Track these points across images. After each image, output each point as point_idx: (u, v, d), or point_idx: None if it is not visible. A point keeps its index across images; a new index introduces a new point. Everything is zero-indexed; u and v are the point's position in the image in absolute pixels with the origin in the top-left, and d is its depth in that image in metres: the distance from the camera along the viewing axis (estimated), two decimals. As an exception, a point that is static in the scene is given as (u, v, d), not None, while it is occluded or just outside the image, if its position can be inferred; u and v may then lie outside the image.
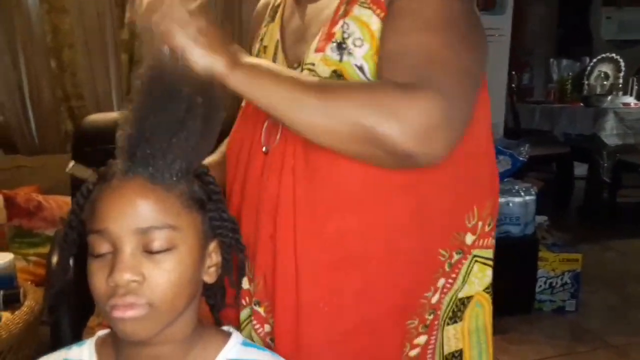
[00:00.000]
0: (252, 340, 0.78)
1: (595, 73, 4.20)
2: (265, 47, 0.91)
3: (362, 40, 0.76)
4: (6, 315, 1.31)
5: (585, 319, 2.48)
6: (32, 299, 1.41)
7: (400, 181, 0.75)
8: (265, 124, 0.81)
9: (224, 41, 0.69)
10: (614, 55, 4.19)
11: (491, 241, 0.86)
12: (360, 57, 0.76)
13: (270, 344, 0.81)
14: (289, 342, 0.78)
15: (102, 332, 0.72)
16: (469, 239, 0.83)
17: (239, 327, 0.84)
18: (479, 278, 0.86)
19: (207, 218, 0.66)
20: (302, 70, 0.80)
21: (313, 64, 0.78)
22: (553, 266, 2.51)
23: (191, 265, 0.63)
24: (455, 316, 0.85)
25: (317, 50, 0.79)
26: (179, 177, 0.63)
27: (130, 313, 0.59)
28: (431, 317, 0.83)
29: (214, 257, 0.68)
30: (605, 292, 2.76)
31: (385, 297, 0.79)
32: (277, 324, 0.79)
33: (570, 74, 4.49)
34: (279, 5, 0.92)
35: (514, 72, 4.28)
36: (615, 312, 2.58)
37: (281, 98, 0.69)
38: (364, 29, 0.76)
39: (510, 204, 2.45)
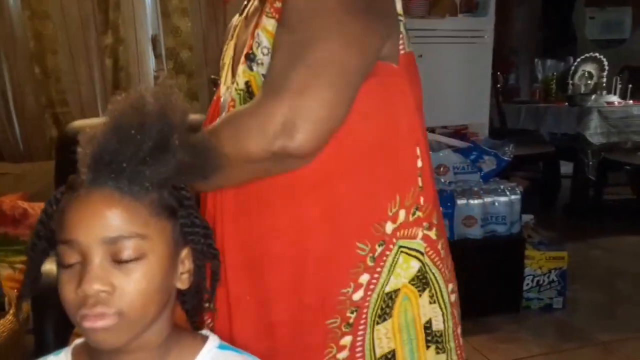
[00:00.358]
0: None
1: (580, 72, 4.25)
2: (224, 64, 0.94)
3: (268, 49, 0.79)
4: (-9, 324, 1.30)
5: (573, 317, 2.51)
6: (16, 307, 1.39)
7: (311, 181, 0.78)
8: None
9: None
10: (597, 54, 4.25)
11: (420, 232, 0.83)
12: (267, 67, 0.79)
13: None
14: (224, 333, 0.81)
15: (78, 341, 0.71)
16: (389, 227, 0.81)
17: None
18: (404, 269, 0.82)
19: (179, 225, 0.66)
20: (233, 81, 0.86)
21: (238, 75, 0.83)
22: (540, 264, 2.53)
23: (161, 274, 0.63)
24: (384, 313, 0.82)
25: (242, 63, 0.83)
26: (146, 188, 0.62)
27: (100, 323, 0.59)
28: (354, 315, 0.81)
29: (186, 264, 0.68)
30: (592, 289, 2.79)
31: (300, 295, 0.80)
32: (216, 316, 0.84)
33: (554, 73, 4.54)
34: (236, 25, 0.97)
35: (499, 73, 4.32)
36: (602, 309, 2.61)
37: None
38: (269, 38, 0.79)
39: (496, 203, 2.47)
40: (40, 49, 2.70)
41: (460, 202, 2.41)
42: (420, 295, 0.83)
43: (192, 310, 0.74)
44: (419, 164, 0.84)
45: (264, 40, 0.80)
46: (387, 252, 0.81)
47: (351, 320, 0.81)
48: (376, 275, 0.81)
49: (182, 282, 0.68)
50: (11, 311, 1.37)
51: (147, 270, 0.61)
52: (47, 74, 2.74)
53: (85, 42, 2.75)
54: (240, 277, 0.82)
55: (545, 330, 2.40)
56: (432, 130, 2.85)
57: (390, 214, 0.81)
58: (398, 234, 0.81)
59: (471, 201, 2.43)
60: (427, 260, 0.84)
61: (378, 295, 0.81)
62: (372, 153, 0.80)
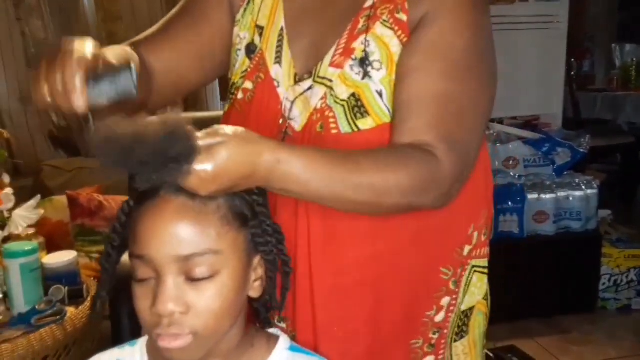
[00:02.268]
0: None
1: (662, 58, 3.95)
2: (260, 28, 0.83)
3: (381, 63, 0.74)
4: (71, 310, 1.37)
5: (653, 319, 2.35)
6: (93, 303, 1.47)
7: None
8: None
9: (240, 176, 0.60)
10: (682, 37, 3.93)
11: (486, 250, 0.87)
12: (379, 82, 0.74)
13: None
14: None
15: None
16: (466, 250, 0.83)
17: None
18: (478, 287, 0.86)
19: (250, 234, 0.64)
20: (313, 82, 0.77)
21: (331, 80, 0.76)
22: (618, 263, 2.38)
23: (235, 289, 0.62)
24: (461, 331, 0.86)
25: (334, 64, 0.76)
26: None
27: (174, 344, 0.58)
28: (436, 336, 0.83)
29: (259, 271, 0.67)
30: (677, 290, 2.59)
31: (392, 318, 0.80)
32: (299, 342, 0.79)
33: (634, 59, 4.24)
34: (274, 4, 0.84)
35: (573, 60, 4.09)
36: (687, 311, 2.42)
37: (320, 192, 0.66)
38: (383, 51, 0.75)
39: (571, 198, 2.34)
40: (114, 49, 2.83)
41: (531, 196, 2.30)
42: (487, 309, 0.89)
43: (261, 310, 0.73)
44: (491, 184, 0.87)
45: (377, 52, 0.75)
46: (463, 273, 0.84)
47: (433, 342, 0.83)
48: (455, 297, 0.83)
49: (255, 290, 0.67)
50: (89, 298, 1.45)
51: (221, 287, 0.60)
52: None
53: (155, 40, 2.85)
54: (329, 305, 0.78)
55: (623, 332, 2.26)
56: (500, 121, 2.74)
57: (467, 237, 0.83)
58: (473, 254, 0.84)
59: (543, 196, 2.31)
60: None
61: (456, 315, 0.85)
62: None
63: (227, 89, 0.89)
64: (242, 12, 0.85)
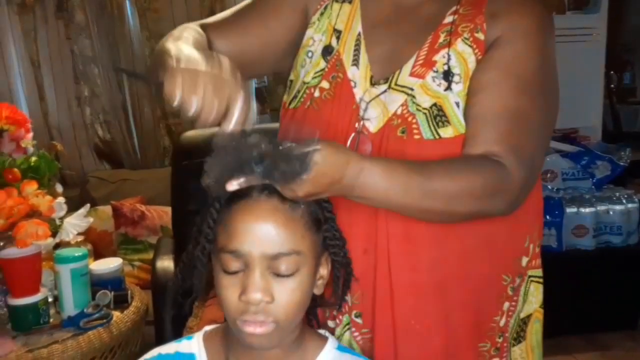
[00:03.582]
0: (352, 347, 0.82)
1: None
2: (338, 31, 0.87)
3: (460, 77, 0.79)
4: (116, 314, 1.43)
5: (701, 338, 2.26)
6: (138, 300, 1.52)
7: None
8: (349, 140, 0.82)
9: (328, 185, 0.66)
10: None
11: (539, 261, 0.90)
12: (457, 94, 0.79)
13: (368, 352, 0.84)
14: (389, 357, 0.82)
15: (209, 328, 0.77)
16: (524, 261, 0.87)
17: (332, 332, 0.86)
18: (535, 296, 0.90)
19: (321, 237, 0.70)
20: (389, 89, 0.81)
21: (411, 89, 0.80)
22: (661, 279, 2.31)
23: (310, 285, 0.69)
24: (519, 336, 0.89)
25: (414, 74, 0.80)
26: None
27: (259, 330, 0.65)
28: (501, 340, 0.86)
29: (321, 271, 0.72)
30: None
31: (462, 321, 0.83)
32: (377, 342, 0.83)
33: (677, 71, 4.12)
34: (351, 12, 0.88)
35: (612, 72, 4.01)
36: None
37: (397, 199, 0.72)
38: (462, 66, 0.79)
39: (611, 212, 2.30)
40: (156, 66, 2.94)
41: (570, 210, 2.27)
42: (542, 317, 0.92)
43: (313, 308, 0.77)
44: (541, 198, 0.91)
45: (457, 67, 0.80)
46: (522, 283, 0.88)
47: (499, 345, 0.86)
48: (513, 303, 0.87)
49: (318, 287, 0.72)
50: (133, 303, 1.50)
51: (300, 283, 0.66)
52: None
53: (195, 57, 2.94)
54: (407, 300, 0.81)
55: (669, 351, 2.18)
56: (537, 134, 2.70)
57: (525, 248, 0.87)
58: (530, 265, 0.88)
59: (582, 209, 2.28)
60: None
61: (515, 321, 0.88)
62: None
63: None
64: (318, 15, 0.89)
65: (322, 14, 0.89)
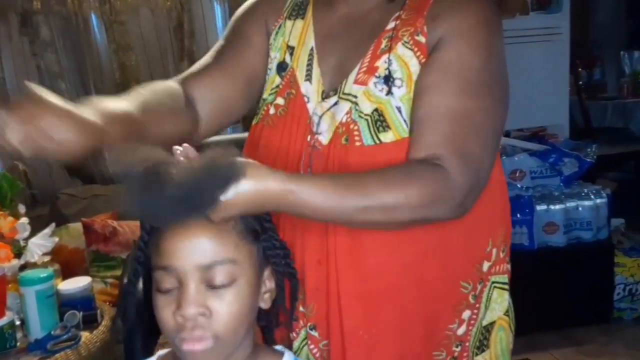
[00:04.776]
0: None
1: (672, 63, 3.92)
2: (291, 47, 0.89)
3: (402, 81, 0.79)
4: (85, 334, 1.41)
5: (673, 328, 2.31)
6: (108, 319, 1.50)
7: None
8: (303, 157, 0.83)
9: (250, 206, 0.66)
10: (691, 42, 3.90)
11: (506, 266, 0.89)
12: (399, 98, 0.79)
13: None
14: None
15: (162, 351, 0.76)
16: (485, 266, 0.86)
17: (290, 347, 0.86)
18: (498, 303, 0.88)
19: (261, 247, 0.69)
20: (338, 99, 0.81)
21: (355, 97, 0.80)
22: (632, 272, 2.36)
23: (250, 296, 0.67)
24: (482, 345, 0.88)
25: (358, 82, 0.81)
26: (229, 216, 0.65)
27: (198, 346, 0.62)
28: (459, 349, 0.85)
29: (267, 284, 0.71)
30: (696, 298, 2.55)
31: (415, 329, 0.82)
32: (332, 351, 0.82)
33: (643, 66, 4.22)
34: (304, 1, 0.90)
35: (580, 69, 4.08)
36: None
37: (332, 215, 0.72)
38: (404, 70, 0.79)
39: (580, 208, 2.33)
40: (125, 79, 2.92)
41: (540, 207, 2.30)
42: (510, 324, 0.90)
43: (268, 326, 0.76)
44: (508, 203, 0.90)
45: (398, 71, 0.79)
46: (484, 289, 0.86)
47: (456, 354, 0.85)
48: (475, 311, 0.86)
49: (265, 301, 0.71)
50: (103, 322, 1.48)
51: (238, 294, 0.65)
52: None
53: (165, 69, 2.94)
54: (355, 309, 0.81)
55: (641, 342, 2.22)
56: (507, 134, 2.75)
57: (486, 253, 0.86)
58: (492, 270, 0.87)
59: (552, 207, 2.31)
60: (508, 289, 0.90)
61: (477, 329, 0.87)
62: None
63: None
64: (274, 34, 0.91)
65: (277, 32, 0.91)
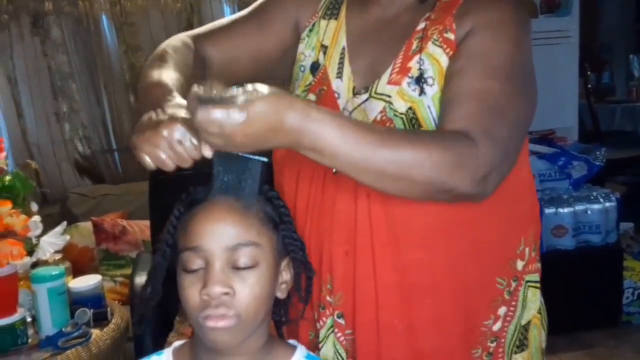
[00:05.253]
0: (337, 350, 0.85)
1: (683, 67, 3.90)
2: (324, 47, 0.91)
3: (434, 79, 0.81)
4: (96, 332, 1.42)
5: (682, 332, 2.29)
6: (118, 317, 1.52)
7: (459, 218, 0.81)
8: None
9: (267, 130, 0.65)
10: (701, 46, 3.88)
11: (537, 265, 0.90)
12: (430, 97, 0.80)
13: (352, 352, 0.85)
14: (372, 358, 0.83)
15: (178, 343, 0.78)
16: (520, 265, 0.87)
17: (316, 336, 0.87)
18: (533, 302, 0.89)
19: (280, 237, 0.72)
20: (370, 97, 0.83)
21: (389, 96, 0.82)
22: (641, 276, 2.35)
23: (270, 281, 0.70)
24: (522, 344, 0.88)
25: (392, 82, 0.82)
26: (256, 194, 0.70)
27: (221, 323, 0.65)
28: (494, 344, 0.86)
29: (284, 275, 0.74)
30: None
31: (452, 325, 0.83)
32: (358, 340, 0.83)
33: (653, 69, 4.21)
34: (339, 1, 0.93)
35: (589, 72, 4.07)
36: None
37: (350, 156, 0.69)
38: (435, 68, 0.81)
39: (589, 212, 2.33)
40: (135, 80, 2.93)
41: (549, 211, 2.30)
42: (542, 322, 0.91)
43: (280, 321, 0.79)
44: (537, 203, 0.91)
45: (430, 69, 0.81)
46: (519, 287, 0.87)
47: (491, 350, 0.86)
48: (512, 308, 0.87)
49: (281, 291, 0.74)
50: (113, 320, 1.50)
51: (260, 277, 0.68)
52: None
53: (174, 70, 2.94)
54: (391, 302, 0.82)
55: (650, 347, 2.21)
56: (515, 136, 2.73)
57: (518, 252, 0.86)
58: (526, 269, 0.88)
59: (560, 210, 2.31)
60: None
61: (515, 328, 0.87)
62: (502, 196, 0.81)
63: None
64: (307, 31, 0.94)
65: (310, 30, 0.93)
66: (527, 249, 0.87)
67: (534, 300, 0.89)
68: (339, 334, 0.85)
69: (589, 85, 4.01)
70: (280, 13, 0.95)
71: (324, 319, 0.86)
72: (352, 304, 0.83)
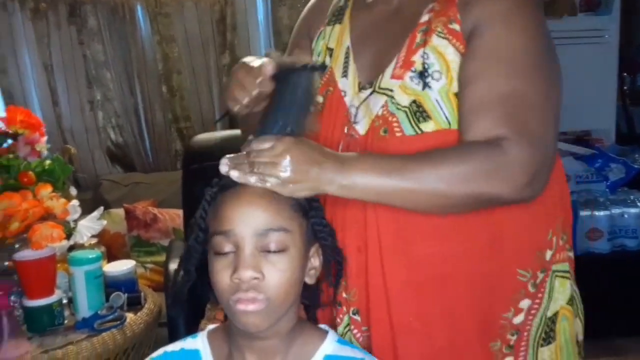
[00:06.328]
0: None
1: None
2: (330, 49, 0.93)
3: (440, 73, 0.78)
4: (130, 316, 1.44)
5: None
6: (151, 302, 1.53)
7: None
8: (341, 145, 0.85)
9: (310, 163, 0.71)
10: None
11: (567, 254, 0.87)
12: (437, 91, 0.78)
13: (369, 349, 0.83)
14: (388, 355, 0.82)
15: (212, 326, 0.80)
16: (548, 254, 0.84)
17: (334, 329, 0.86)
18: (560, 293, 0.86)
19: (310, 224, 0.73)
20: (374, 92, 0.83)
21: (391, 90, 0.81)
22: (678, 283, 2.28)
23: (299, 266, 0.71)
24: (548, 337, 0.86)
25: (394, 77, 0.81)
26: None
27: (252, 307, 0.66)
28: (514, 337, 0.84)
29: (313, 261, 0.75)
30: None
31: (468, 319, 0.81)
32: (373, 337, 0.83)
33: (691, 72, 4.07)
34: (343, 7, 0.94)
35: (625, 74, 3.96)
36: None
37: (393, 191, 0.73)
38: (441, 60, 0.78)
39: (625, 216, 2.27)
40: (167, 70, 2.96)
41: (584, 213, 2.25)
42: (574, 314, 0.88)
43: (311, 305, 0.80)
44: (567, 190, 0.88)
45: (436, 63, 0.79)
46: (546, 278, 0.84)
47: (512, 343, 0.84)
48: (537, 301, 0.84)
49: (310, 277, 0.75)
50: (146, 305, 1.51)
51: (289, 262, 0.69)
52: (172, 93, 2.99)
53: (206, 62, 2.96)
54: (405, 299, 0.81)
55: (685, 356, 2.15)
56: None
57: (547, 240, 0.84)
58: (554, 258, 0.85)
59: (596, 213, 2.26)
60: (572, 278, 0.88)
61: (541, 320, 0.85)
62: None
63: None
64: (315, 40, 0.96)
65: (318, 38, 0.96)
66: (554, 238, 0.84)
67: (562, 291, 0.86)
68: (355, 331, 0.85)
69: (625, 87, 3.91)
70: (303, 38, 0.98)
71: (341, 315, 0.86)
72: (366, 301, 0.82)
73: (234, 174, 0.70)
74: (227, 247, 0.68)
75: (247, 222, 0.68)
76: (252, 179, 0.69)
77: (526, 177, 0.72)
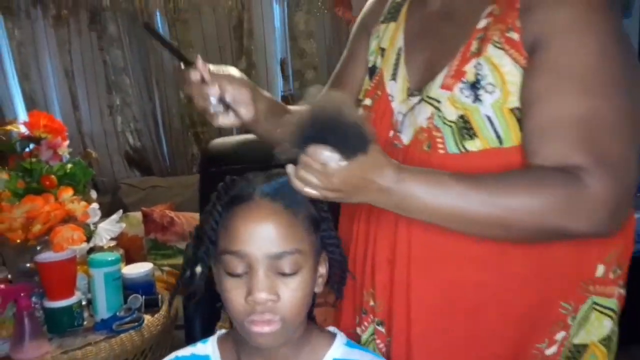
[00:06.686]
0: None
1: None
2: (382, 49, 0.89)
3: (494, 86, 0.72)
4: (147, 317, 1.46)
5: None
6: (168, 305, 1.55)
7: None
8: None
9: (362, 179, 0.66)
10: None
11: (615, 290, 0.79)
12: (489, 106, 0.72)
13: None
14: None
15: (222, 331, 0.80)
16: (593, 289, 0.78)
17: (357, 341, 0.86)
18: (595, 327, 0.78)
19: (319, 237, 0.72)
20: (420, 101, 0.78)
21: (439, 101, 0.76)
22: (699, 291, 2.23)
23: (311, 283, 0.71)
24: None
25: (444, 87, 0.75)
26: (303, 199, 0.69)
27: (267, 329, 0.66)
28: None
29: (320, 270, 0.74)
30: None
31: (494, 345, 0.77)
32: (393, 351, 0.81)
33: None
34: (400, 3, 0.90)
35: None
36: None
37: (442, 208, 0.68)
38: (495, 72, 0.72)
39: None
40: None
41: (636, 215, 2.20)
42: (606, 356, 0.80)
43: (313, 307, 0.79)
44: (632, 217, 0.80)
45: (489, 75, 0.72)
46: (581, 306, 0.77)
47: None
48: (570, 332, 0.78)
49: (318, 286, 0.74)
50: (163, 307, 1.53)
51: (302, 281, 0.68)
52: (190, 98, 3.03)
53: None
54: (428, 322, 0.78)
55: None
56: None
57: (594, 275, 0.77)
58: (598, 289, 0.78)
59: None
60: (614, 318, 0.80)
61: (567, 348, 0.79)
62: None
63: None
64: (371, 39, 0.93)
65: (373, 37, 0.93)
66: (601, 267, 0.76)
67: (597, 325, 0.78)
68: (378, 341, 0.84)
69: None
70: (360, 43, 0.95)
71: (366, 324, 0.85)
72: (389, 314, 0.81)
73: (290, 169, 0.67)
74: (239, 268, 0.66)
75: (261, 245, 0.66)
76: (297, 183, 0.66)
77: (607, 212, 0.66)
